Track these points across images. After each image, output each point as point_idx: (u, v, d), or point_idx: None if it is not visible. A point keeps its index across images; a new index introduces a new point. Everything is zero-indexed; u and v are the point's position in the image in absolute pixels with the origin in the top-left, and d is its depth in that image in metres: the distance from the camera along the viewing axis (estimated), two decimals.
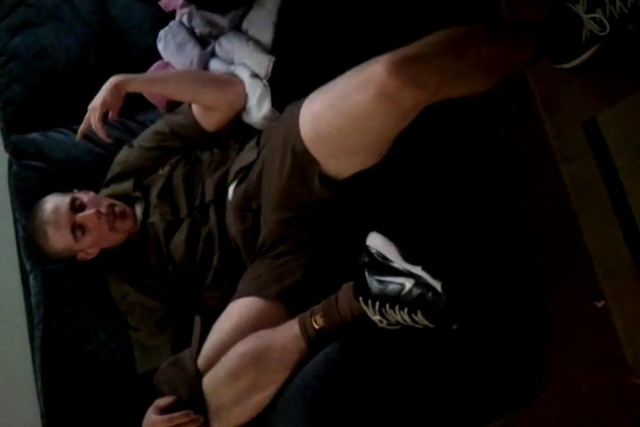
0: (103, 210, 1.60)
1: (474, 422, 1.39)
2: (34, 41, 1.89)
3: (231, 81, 1.67)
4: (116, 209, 1.62)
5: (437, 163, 1.56)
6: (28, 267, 1.79)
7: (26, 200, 1.78)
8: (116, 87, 1.58)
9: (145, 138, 1.75)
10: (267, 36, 1.65)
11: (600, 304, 1.58)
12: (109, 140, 1.64)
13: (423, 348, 1.33)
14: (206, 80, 1.68)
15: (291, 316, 1.40)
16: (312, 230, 1.50)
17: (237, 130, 1.70)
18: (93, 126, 1.59)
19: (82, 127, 1.63)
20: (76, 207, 1.60)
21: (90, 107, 1.61)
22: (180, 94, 1.69)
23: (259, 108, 1.63)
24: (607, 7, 1.36)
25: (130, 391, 1.63)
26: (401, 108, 1.26)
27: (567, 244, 1.67)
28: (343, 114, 1.30)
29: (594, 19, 1.38)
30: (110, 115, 1.59)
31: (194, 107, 1.69)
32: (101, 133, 1.60)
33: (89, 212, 1.59)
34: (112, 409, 1.65)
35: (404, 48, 1.26)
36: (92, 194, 1.67)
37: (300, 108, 1.40)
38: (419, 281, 1.23)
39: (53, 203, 1.61)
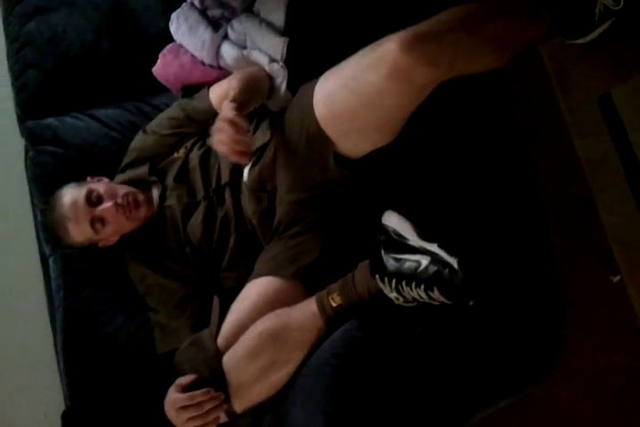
0: (120, 201, 1.61)
1: (490, 397, 1.41)
2: (47, 26, 1.89)
3: (262, 72, 1.65)
4: (130, 198, 1.63)
5: (451, 140, 1.56)
6: (47, 251, 1.81)
7: (43, 185, 1.80)
8: (234, 122, 1.39)
9: (160, 124, 1.75)
10: (278, 18, 1.65)
11: (616, 279, 1.59)
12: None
13: (440, 324, 1.34)
14: (263, 78, 1.64)
15: (308, 295, 1.41)
16: (327, 210, 1.50)
17: (252, 111, 1.69)
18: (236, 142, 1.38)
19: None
20: (93, 201, 1.61)
21: (217, 135, 1.41)
22: (262, 96, 1.62)
23: (279, 90, 1.63)
24: None
25: (150, 372, 1.65)
26: (414, 85, 1.26)
27: (582, 219, 1.66)
28: (356, 93, 1.31)
29: None
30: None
31: (212, 93, 1.68)
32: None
33: (107, 205, 1.60)
34: (134, 390, 1.67)
35: (416, 26, 1.26)
36: (106, 181, 1.69)
37: (313, 88, 1.40)
38: (435, 258, 1.24)
39: (70, 197, 1.62)
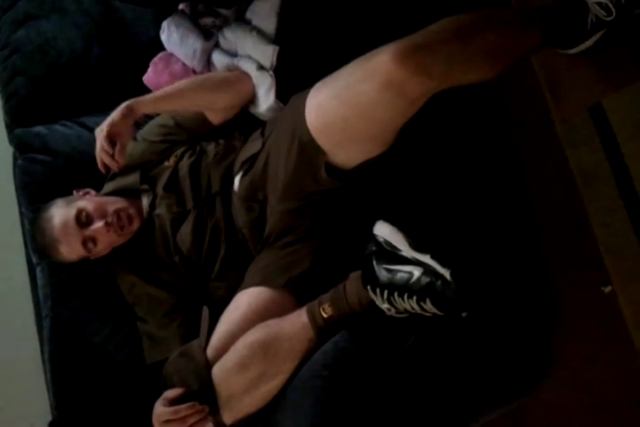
0: (110, 220, 1.60)
1: (482, 408, 1.40)
2: (37, 34, 1.88)
3: (241, 79, 1.66)
4: (122, 215, 1.62)
5: (444, 151, 1.56)
6: (34, 260, 1.80)
7: (32, 193, 1.79)
8: (128, 108, 1.53)
9: (149, 131, 1.74)
10: (270, 26, 1.64)
11: (607, 290, 1.58)
12: (116, 169, 1.58)
13: (431, 336, 1.33)
14: (218, 85, 1.65)
15: (299, 305, 1.40)
16: (319, 220, 1.49)
17: (243, 121, 1.69)
18: (98, 147, 1.54)
19: (99, 161, 1.57)
20: (83, 221, 1.59)
21: (96, 131, 1.57)
22: (195, 106, 1.66)
23: (265, 100, 1.63)
24: None
25: (138, 382, 1.64)
26: (407, 97, 1.25)
27: (574, 229, 1.66)
28: (349, 104, 1.30)
29: (599, 4, 1.37)
30: (117, 148, 1.52)
31: None
32: (107, 159, 1.53)
33: (97, 225, 1.59)
34: (121, 400, 1.66)
35: (409, 37, 1.25)
36: (93, 194, 1.68)
37: (305, 98, 1.39)
38: (427, 269, 1.23)
39: (60, 218, 1.60)
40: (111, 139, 1.52)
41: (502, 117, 1.70)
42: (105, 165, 1.57)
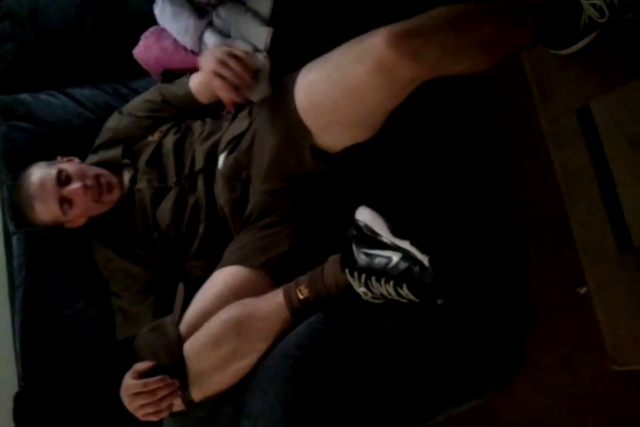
0: (89, 182, 1.58)
1: (452, 399, 1.41)
2: (29, 0, 1.86)
3: None
4: (102, 180, 1.60)
5: (430, 141, 1.56)
6: (11, 228, 1.78)
7: (12, 161, 1.76)
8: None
9: (136, 106, 1.73)
10: (265, 7, 1.62)
11: (582, 291, 1.60)
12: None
13: (406, 324, 1.34)
14: None
15: (275, 286, 1.40)
16: (301, 202, 1.49)
17: None
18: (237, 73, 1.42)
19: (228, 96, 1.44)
20: (63, 180, 1.58)
21: (216, 65, 1.44)
22: None
23: (260, 82, 1.62)
24: None
25: (108, 357, 1.63)
26: (397, 81, 1.26)
27: (554, 229, 1.67)
28: (339, 85, 1.30)
29: (593, 5, 1.38)
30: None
31: (192, 80, 1.66)
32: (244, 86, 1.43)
33: (75, 186, 1.57)
34: (90, 373, 1.65)
35: (404, 21, 1.26)
36: (77, 162, 1.66)
37: (295, 78, 1.39)
38: (406, 255, 1.24)
39: (39, 176, 1.59)
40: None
41: (490, 112, 1.71)
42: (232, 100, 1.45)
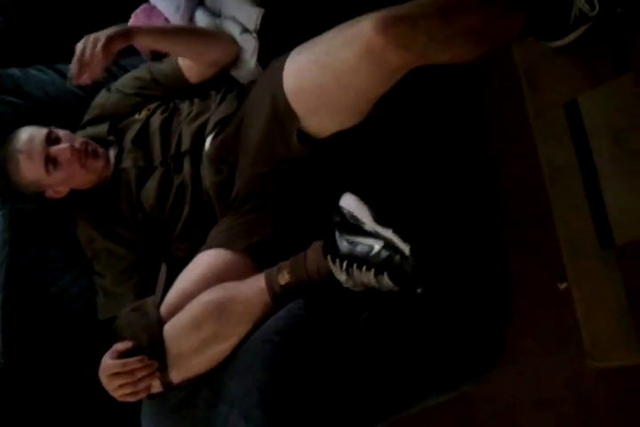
0: (77, 145, 1.59)
1: (429, 389, 1.41)
2: None
3: (229, 37, 1.65)
4: (90, 147, 1.61)
5: (417, 130, 1.56)
6: None
7: None
8: (129, 30, 1.52)
9: (124, 83, 1.73)
10: None
11: (562, 286, 1.61)
12: (89, 82, 1.51)
13: (385, 313, 1.34)
14: (211, 37, 1.64)
15: (258, 270, 1.40)
16: (286, 188, 1.50)
17: (220, 81, 1.68)
18: (87, 53, 1.46)
19: (75, 69, 1.49)
20: (52, 139, 1.59)
21: (87, 38, 1.49)
22: (187, 50, 1.63)
23: (247, 63, 1.62)
24: None
25: (90, 336, 1.63)
26: (385, 67, 1.26)
27: (536, 224, 1.67)
28: (327, 69, 1.30)
29: None
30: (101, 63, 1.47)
31: (181, 59, 1.66)
32: (100, 66, 1.47)
33: (63, 146, 1.58)
34: (71, 352, 1.65)
35: (394, 7, 1.26)
36: (67, 131, 1.65)
37: (284, 61, 1.39)
38: (388, 244, 1.24)
39: (29, 133, 1.60)
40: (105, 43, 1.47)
41: (478, 103, 1.71)
42: (79, 77, 1.49)
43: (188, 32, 1.65)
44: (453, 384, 1.44)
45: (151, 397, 1.35)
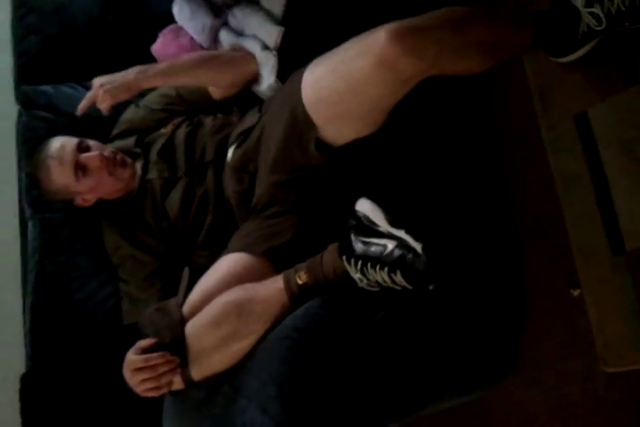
0: (106, 154, 1.66)
1: (442, 391, 1.43)
2: None
3: (246, 60, 1.71)
4: (118, 156, 1.68)
5: (431, 140, 1.61)
6: (27, 214, 1.84)
7: (32, 149, 1.82)
8: (134, 83, 1.61)
9: (152, 99, 1.81)
10: (278, 8, 1.70)
11: (576, 293, 1.61)
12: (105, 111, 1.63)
13: (401, 314, 1.37)
14: (224, 64, 1.70)
15: (276, 273, 1.44)
16: (305, 194, 1.54)
17: (243, 97, 1.75)
18: (104, 113, 1.61)
19: (84, 104, 1.62)
20: (82, 148, 1.66)
21: (100, 86, 1.60)
22: (199, 83, 1.73)
23: (267, 79, 1.69)
24: (605, 3, 1.40)
25: (114, 341, 1.67)
26: (398, 76, 1.30)
27: (549, 232, 1.69)
28: (343, 78, 1.35)
29: (592, 13, 1.42)
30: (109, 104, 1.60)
31: None
32: (103, 106, 1.61)
33: (93, 153, 1.66)
34: (95, 356, 1.70)
35: (407, 19, 1.31)
36: (97, 142, 1.73)
37: (303, 72, 1.45)
38: (401, 243, 1.28)
39: (61, 141, 1.68)
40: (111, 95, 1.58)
41: (491, 115, 1.75)
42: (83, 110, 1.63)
43: (197, 64, 1.69)
44: (467, 386, 1.46)
45: (173, 393, 1.39)
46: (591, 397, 1.65)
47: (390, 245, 1.29)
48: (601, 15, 1.41)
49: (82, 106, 1.62)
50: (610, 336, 1.48)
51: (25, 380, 1.74)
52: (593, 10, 1.42)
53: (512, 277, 1.60)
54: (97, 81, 1.61)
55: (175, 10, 1.84)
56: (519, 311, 1.59)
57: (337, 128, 1.44)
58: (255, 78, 1.73)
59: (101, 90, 1.57)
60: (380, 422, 1.32)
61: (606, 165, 1.51)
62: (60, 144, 1.67)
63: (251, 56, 1.72)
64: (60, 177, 1.66)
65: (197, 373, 1.37)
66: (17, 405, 1.72)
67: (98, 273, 1.75)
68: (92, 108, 1.63)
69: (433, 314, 1.40)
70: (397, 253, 1.27)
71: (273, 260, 1.49)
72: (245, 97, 1.75)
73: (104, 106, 1.59)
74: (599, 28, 1.43)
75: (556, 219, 1.59)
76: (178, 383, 1.37)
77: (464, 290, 1.44)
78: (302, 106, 1.42)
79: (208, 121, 1.73)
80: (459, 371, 1.42)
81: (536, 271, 1.73)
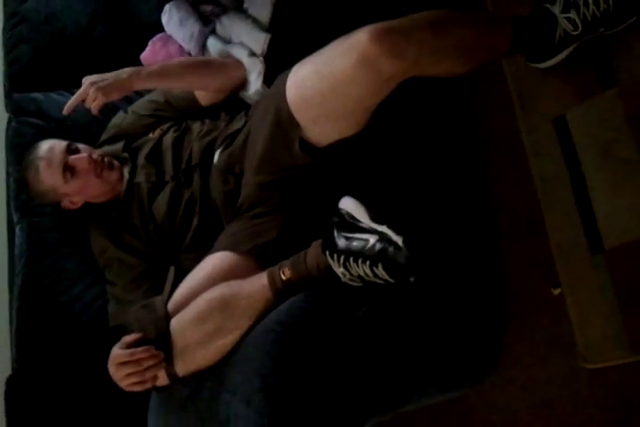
0: (94, 156, 1.69)
1: (424, 387, 1.44)
2: (45, 6, 1.99)
3: (235, 66, 1.75)
4: (106, 159, 1.71)
5: (413, 140, 1.64)
6: (15, 219, 1.86)
7: (20, 154, 1.83)
8: (127, 81, 1.61)
9: (140, 105, 1.84)
10: (265, 15, 1.74)
11: (556, 292, 1.64)
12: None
13: (384, 309, 1.39)
14: (214, 70, 1.73)
15: (261, 271, 1.45)
16: (290, 194, 1.56)
17: (230, 103, 1.78)
18: (93, 112, 1.60)
19: (72, 102, 1.61)
20: (72, 150, 1.69)
21: (92, 84, 1.59)
22: (189, 87, 1.76)
23: (254, 84, 1.72)
24: (581, 9, 1.45)
25: (100, 343, 1.67)
26: (380, 75, 1.33)
27: (530, 232, 1.71)
28: (326, 79, 1.38)
29: (568, 19, 1.46)
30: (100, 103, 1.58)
31: None
32: (93, 106, 1.60)
33: (81, 155, 1.68)
34: (81, 359, 1.71)
35: (389, 21, 1.34)
36: (86, 145, 1.76)
37: (287, 74, 1.47)
38: (382, 237, 1.30)
39: (50, 143, 1.71)
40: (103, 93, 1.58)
41: (474, 118, 1.78)
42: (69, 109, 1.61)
43: (190, 68, 1.71)
44: (449, 384, 1.47)
45: (158, 389, 1.39)
46: (573, 396, 1.65)
47: (372, 239, 1.30)
48: (577, 20, 1.46)
49: (69, 104, 1.61)
50: (590, 333, 1.50)
51: (10, 382, 1.74)
52: (569, 15, 1.46)
53: (493, 277, 1.62)
54: (87, 79, 1.61)
55: (164, 18, 1.88)
56: (501, 310, 1.61)
57: (321, 128, 1.46)
58: (243, 84, 1.76)
59: (92, 88, 1.58)
60: (363, 414, 1.33)
61: (584, 167, 1.55)
62: (50, 146, 1.69)
63: (239, 62, 1.76)
64: (48, 178, 1.68)
65: (182, 368, 1.37)
66: (1, 407, 1.72)
67: (84, 276, 1.77)
68: (81, 106, 1.62)
69: (416, 308, 1.42)
70: (379, 246, 1.29)
71: (258, 258, 1.50)
72: (233, 103, 1.79)
73: (94, 104, 1.58)
74: (575, 33, 1.47)
75: (537, 219, 1.63)
76: (162, 379, 1.38)
77: (446, 288, 1.46)
78: (287, 106, 1.45)
79: (196, 126, 1.76)
80: (440, 365, 1.43)
81: (517, 271, 1.74)
